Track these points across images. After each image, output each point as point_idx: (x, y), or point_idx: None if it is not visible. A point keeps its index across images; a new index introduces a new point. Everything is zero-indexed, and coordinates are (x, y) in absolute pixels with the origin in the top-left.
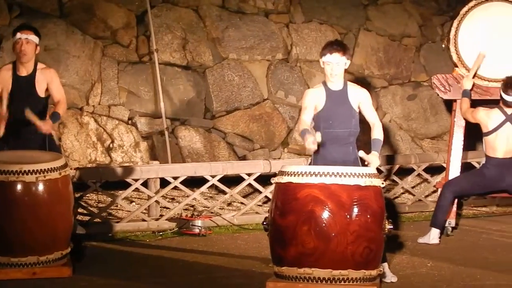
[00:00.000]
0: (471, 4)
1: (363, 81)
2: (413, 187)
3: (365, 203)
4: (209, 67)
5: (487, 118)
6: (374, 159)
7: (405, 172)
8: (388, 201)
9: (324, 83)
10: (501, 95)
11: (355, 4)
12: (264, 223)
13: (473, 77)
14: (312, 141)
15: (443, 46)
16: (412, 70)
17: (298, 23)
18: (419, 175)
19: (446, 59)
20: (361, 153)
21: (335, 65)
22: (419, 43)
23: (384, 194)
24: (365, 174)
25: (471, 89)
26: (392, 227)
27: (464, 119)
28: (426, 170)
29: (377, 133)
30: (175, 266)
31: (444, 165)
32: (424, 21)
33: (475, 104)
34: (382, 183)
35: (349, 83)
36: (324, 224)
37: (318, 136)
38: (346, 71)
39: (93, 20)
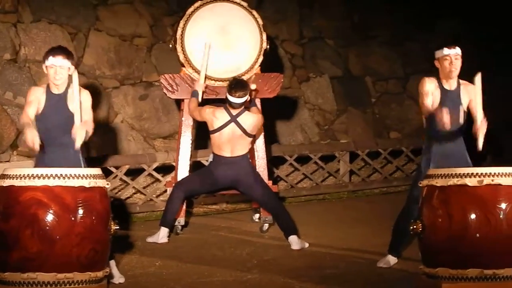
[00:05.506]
0: (196, 4)
1: (94, 82)
2: (144, 187)
3: (90, 205)
4: None
5: (213, 116)
6: (78, 129)
7: (137, 172)
8: (119, 202)
9: (48, 86)
10: (226, 97)
11: (84, 4)
12: None
13: (205, 76)
14: (31, 140)
15: (171, 46)
16: (143, 70)
17: (26, 23)
18: (150, 175)
19: (177, 59)
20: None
21: (59, 68)
22: (150, 43)
23: (114, 195)
24: (89, 175)
25: (204, 89)
26: (118, 227)
27: (192, 117)
28: (158, 169)
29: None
30: None
31: (174, 164)
32: (155, 21)
33: (203, 103)
34: (107, 184)
35: (72, 85)
36: (47, 227)
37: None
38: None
39: None
